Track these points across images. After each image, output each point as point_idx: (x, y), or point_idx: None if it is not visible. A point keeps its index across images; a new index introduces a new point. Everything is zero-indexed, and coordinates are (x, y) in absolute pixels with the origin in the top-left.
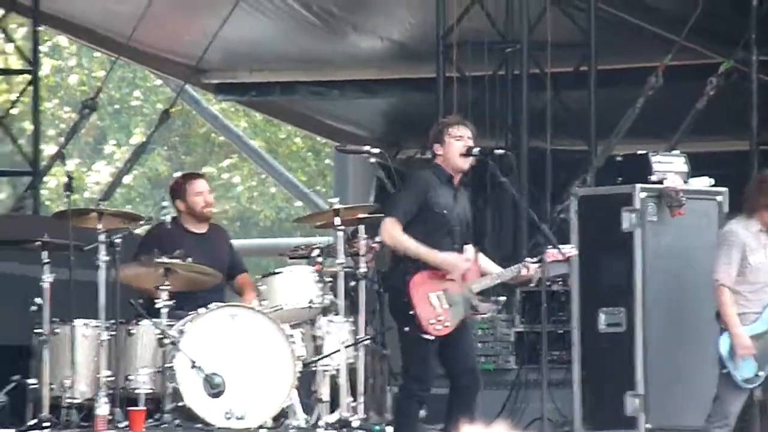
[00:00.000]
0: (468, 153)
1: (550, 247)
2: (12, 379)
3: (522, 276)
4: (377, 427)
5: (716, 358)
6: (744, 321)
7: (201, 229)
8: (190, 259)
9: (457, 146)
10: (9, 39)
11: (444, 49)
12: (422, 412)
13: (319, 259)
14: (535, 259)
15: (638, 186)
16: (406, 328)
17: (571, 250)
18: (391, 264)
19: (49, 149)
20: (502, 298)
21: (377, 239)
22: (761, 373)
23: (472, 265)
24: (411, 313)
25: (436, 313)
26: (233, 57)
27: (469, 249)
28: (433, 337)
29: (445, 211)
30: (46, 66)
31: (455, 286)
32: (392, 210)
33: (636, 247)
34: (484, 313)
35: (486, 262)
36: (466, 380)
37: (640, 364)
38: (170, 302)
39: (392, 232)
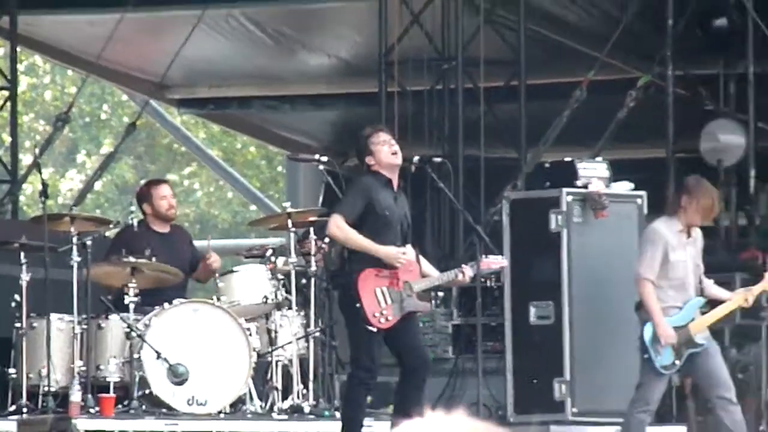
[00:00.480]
0: (395, 155)
1: (484, 256)
2: None
3: (457, 281)
4: (327, 413)
5: (637, 348)
6: (665, 314)
7: (165, 229)
8: (154, 259)
9: (384, 150)
10: None
11: (386, 66)
12: (368, 399)
13: (273, 259)
14: (469, 266)
15: (565, 190)
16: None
17: (502, 260)
18: (338, 263)
19: (26, 159)
20: (440, 293)
21: (326, 240)
22: (677, 362)
23: (413, 266)
24: (357, 306)
25: (380, 307)
26: (193, 74)
27: (410, 249)
28: (376, 329)
29: (386, 212)
30: (23, 83)
31: (397, 284)
32: (339, 207)
33: (563, 247)
34: (423, 311)
35: (426, 266)
36: (416, 364)
37: (567, 353)
38: (137, 298)
39: (339, 224)
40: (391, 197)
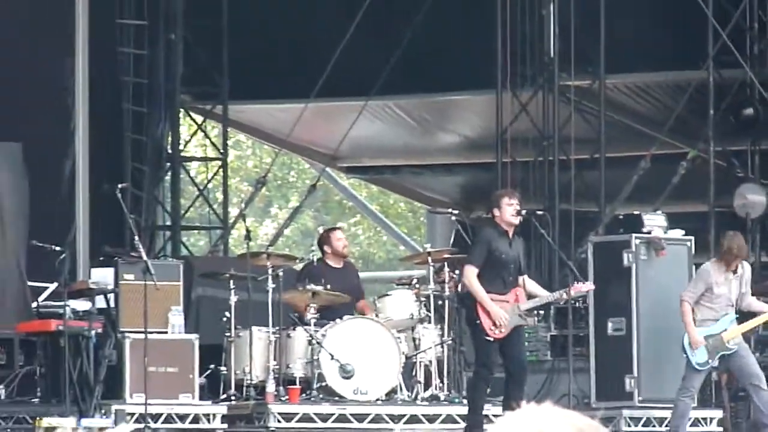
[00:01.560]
0: (518, 213)
1: (578, 282)
2: (209, 367)
3: (561, 298)
4: (456, 400)
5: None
6: (703, 326)
7: (339, 264)
8: (329, 287)
9: (508, 210)
10: (207, 137)
11: (501, 143)
12: (487, 390)
13: (417, 286)
14: (561, 293)
15: (634, 235)
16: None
17: (590, 285)
18: (465, 290)
19: (233, 212)
20: (542, 312)
21: (456, 273)
22: (710, 361)
23: (520, 291)
24: (478, 322)
25: (492, 324)
26: (358, 148)
27: (521, 279)
28: (492, 339)
29: (503, 256)
30: (231, 155)
31: (508, 305)
32: (471, 259)
33: (632, 277)
34: (529, 324)
35: (536, 288)
36: (517, 368)
37: (635, 356)
38: (316, 315)
39: (470, 277)
40: (506, 244)
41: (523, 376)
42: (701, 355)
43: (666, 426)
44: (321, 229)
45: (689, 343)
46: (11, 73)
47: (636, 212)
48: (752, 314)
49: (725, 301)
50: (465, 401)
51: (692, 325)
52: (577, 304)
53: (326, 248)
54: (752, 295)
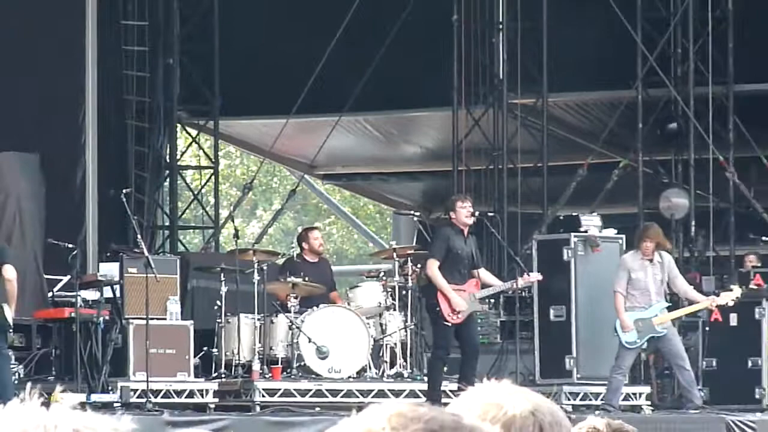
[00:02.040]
0: (471, 215)
1: (527, 273)
2: (202, 349)
3: (511, 288)
4: (418, 377)
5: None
6: (633, 310)
7: (315, 259)
8: (307, 279)
9: (463, 212)
10: (200, 148)
11: (457, 153)
12: (444, 368)
13: (384, 278)
14: (519, 279)
15: (573, 234)
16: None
17: (537, 276)
18: (426, 281)
19: (223, 213)
20: (492, 300)
21: (418, 266)
22: (638, 341)
23: (475, 282)
24: (437, 309)
25: (452, 311)
26: (332, 158)
27: (475, 272)
28: (450, 323)
29: (459, 252)
30: (222, 164)
31: (465, 294)
32: (432, 254)
33: (571, 270)
34: (482, 310)
35: (491, 278)
36: (471, 349)
37: (574, 339)
38: (296, 304)
39: (433, 269)
40: (462, 241)
41: (476, 357)
42: (631, 335)
43: (601, 400)
44: (300, 229)
45: (621, 326)
46: (30, 92)
47: (574, 214)
48: (689, 302)
49: (645, 286)
50: (425, 378)
51: (623, 312)
52: (523, 294)
53: (304, 245)
54: None
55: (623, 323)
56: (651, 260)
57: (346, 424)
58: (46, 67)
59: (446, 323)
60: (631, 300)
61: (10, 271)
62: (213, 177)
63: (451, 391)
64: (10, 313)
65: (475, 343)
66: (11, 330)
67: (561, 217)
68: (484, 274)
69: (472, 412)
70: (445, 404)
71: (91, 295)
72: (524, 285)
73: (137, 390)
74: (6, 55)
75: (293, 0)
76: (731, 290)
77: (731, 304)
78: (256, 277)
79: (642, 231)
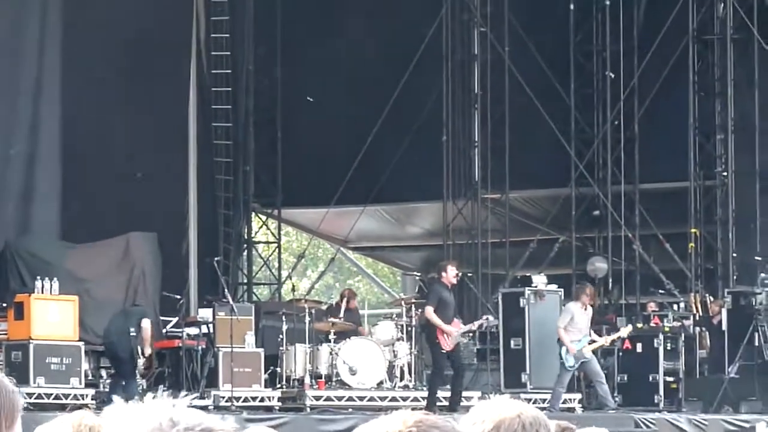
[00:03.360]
0: (456, 276)
1: (489, 317)
2: (270, 368)
3: (477, 329)
4: (420, 388)
5: (557, 357)
6: (572, 342)
7: (351, 307)
8: (342, 319)
9: (451, 273)
10: (268, 228)
11: (446, 232)
12: (443, 384)
13: (395, 318)
14: (481, 322)
15: (527, 288)
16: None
17: (496, 320)
18: (426, 323)
19: (283, 274)
20: (470, 335)
21: (419, 311)
22: (575, 364)
23: (458, 322)
24: (436, 341)
25: (446, 341)
26: (360, 235)
27: (457, 319)
28: (445, 350)
29: (447, 301)
30: (283, 239)
31: (454, 332)
32: (429, 303)
33: (526, 314)
34: (464, 341)
35: (465, 323)
36: (459, 369)
37: (527, 361)
38: (334, 337)
39: (430, 313)
40: (450, 295)
41: (462, 374)
42: (571, 360)
43: (547, 403)
44: (338, 285)
45: (567, 351)
46: (150, 187)
47: (528, 274)
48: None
49: (580, 326)
50: (425, 389)
51: (568, 341)
52: (492, 330)
53: (343, 302)
54: (596, 323)
55: (571, 349)
56: (585, 308)
57: (372, 424)
58: (163, 174)
59: (442, 350)
60: (569, 335)
61: (145, 323)
62: (277, 249)
63: (443, 397)
64: (147, 350)
65: (462, 364)
66: (141, 358)
67: (518, 277)
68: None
69: (482, 423)
70: (440, 408)
71: (193, 330)
72: (489, 324)
73: (225, 397)
74: (128, 153)
75: (335, 118)
76: (626, 327)
77: (625, 336)
78: (307, 318)
79: (585, 288)
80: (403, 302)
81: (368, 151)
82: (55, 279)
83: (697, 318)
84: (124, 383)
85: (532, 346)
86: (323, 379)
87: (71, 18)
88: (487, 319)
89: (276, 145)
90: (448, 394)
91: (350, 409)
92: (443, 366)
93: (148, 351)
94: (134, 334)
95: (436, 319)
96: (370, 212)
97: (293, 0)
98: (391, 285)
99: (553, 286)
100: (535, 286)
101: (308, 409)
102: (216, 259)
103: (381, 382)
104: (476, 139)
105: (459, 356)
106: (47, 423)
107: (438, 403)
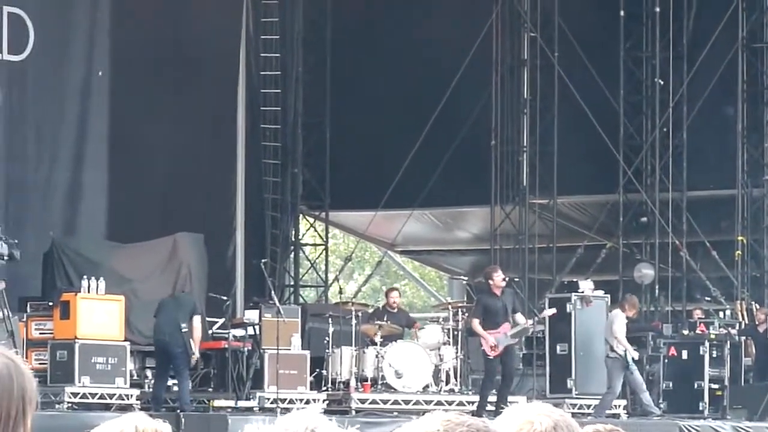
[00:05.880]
0: (503, 280)
1: (536, 319)
2: (316, 370)
3: (533, 324)
4: (470, 393)
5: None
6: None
7: (394, 309)
8: (388, 322)
9: (497, 280)
10: (315, 231)
11: (494, 237)
12: (493, 389)
13: (442, 322)
14: (531, 321)
15: (573, 294)
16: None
17: (552, 310)
18: (472, 333)
19: (330, 276)
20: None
21: (465, 315)
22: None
23: (507, 326)
24: (482, 350)
25: (492, 348)
26: (407, 239)
27: (513, 318)
28: (492, 356)
29: (493, 308)
30: (330, 242)
31: (500, 335)
32: (474, 315)
33: (572, 319)
34: (514, 343)
35: (520, 318)
36: (508, 373)
37: (573, 366)
38: (380, 340)
39: (475, 325)
40: (496, 301)
41: (511, 379)
42: (635, 355)
43: (592, 409)
44: (384, 288)
45: (627, 353)
46: (205, 190)
47: (574, 280)
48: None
49: (623, 335)
50: (470, 392)
51: (626, 343)
52: (539, 335)
53: (388, 300)
54: (643, 330)
55: (629, 349)
56: (629, 317)
57: (410, 425)
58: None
59: (489, 357)
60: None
61: (197, 321)
62: (324, 251)
63: (491, 402)
64: (196, 347)
65: (510, 370)
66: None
67: (565, 282)
68: (519, 316)
69: (510, 427)
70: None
71: (239, 332)
72: (543, 318)
73: (270, 398)
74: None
75: (384, 121)
76: (548, 309)
77: (546, 317)
78: (353, 321)
79: (631, 300)
80: (449, 306)
81: (417, 155)
82: (102, 278)
83: (743, 326)
84: (177, 380)
85: (577, 351)
86: (369, 382)
87: (120, 17)
88: (544, 313)
89: (324, 147)
90: (494, 398)
91: (395, 413)
92: (492, 372)
93: (196, 352)
94: (186, 329)
95: (480, 331)
96: (418, 216)
97: (343, 1)
98: (437, 289)
99: (600, 292)
100: (582, 292)
101: (353, 412)
102: (263, 260)
103: (427, 386)
104: (525, 144)
105: (511, 361)
106: (100, 425)
107: (487, 408)
